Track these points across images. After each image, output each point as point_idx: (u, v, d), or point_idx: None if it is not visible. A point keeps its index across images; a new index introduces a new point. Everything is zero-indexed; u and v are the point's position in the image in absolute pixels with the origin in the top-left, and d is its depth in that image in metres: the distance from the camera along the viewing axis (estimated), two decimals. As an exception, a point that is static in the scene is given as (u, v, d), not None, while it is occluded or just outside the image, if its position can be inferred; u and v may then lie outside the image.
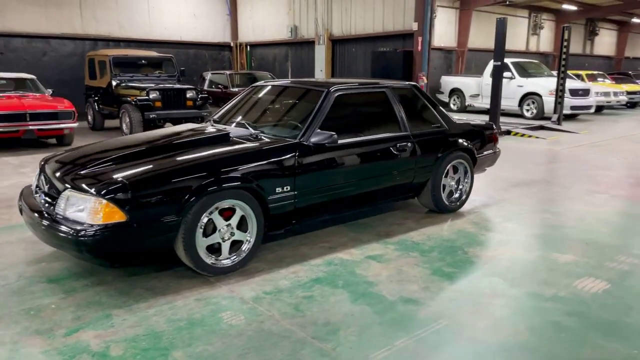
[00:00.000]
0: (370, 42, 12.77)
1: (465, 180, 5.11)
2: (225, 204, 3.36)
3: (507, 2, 15.98)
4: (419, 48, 11.37)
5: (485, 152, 5.35)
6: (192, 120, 10.41)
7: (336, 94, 4.15)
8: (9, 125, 8.34)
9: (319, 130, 3.86)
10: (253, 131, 4.01)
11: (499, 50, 9.67)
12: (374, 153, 4.27)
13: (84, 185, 3.10)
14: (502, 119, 11.42)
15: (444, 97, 15.77)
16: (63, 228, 2.98)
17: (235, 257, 3.49)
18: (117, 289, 3.22)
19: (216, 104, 12.88)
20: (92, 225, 2.91)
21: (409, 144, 4.48)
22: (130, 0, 15.27)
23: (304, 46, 14.83)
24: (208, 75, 13.74)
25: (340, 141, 3.95)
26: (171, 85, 10.65)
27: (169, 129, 4.61)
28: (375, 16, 12.68)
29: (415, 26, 11.31)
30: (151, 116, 9.96)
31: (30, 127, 8.56)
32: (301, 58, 15.05)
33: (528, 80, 13.77)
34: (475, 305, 3.06)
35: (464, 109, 15.20)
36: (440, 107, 5.02)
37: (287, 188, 3.65)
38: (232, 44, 17.45)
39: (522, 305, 3.07)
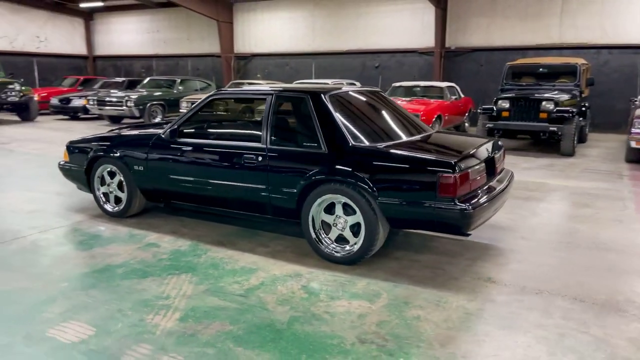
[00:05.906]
0: None
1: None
2: (111, 168, 4.95)
3: None
4: None
5: (408, 200, 3.51)
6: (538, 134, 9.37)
7: (212, 98, 4.48)
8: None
9: (174, 127, 4.52)
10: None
11: None
12: (217, 159, 4.29)
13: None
14: None
15: None
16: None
17: (117, 208, 5.02)
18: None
19: (622, 120, 10.06)
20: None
21: (260, 158, 4.02)
22: (620, 2, 13.47)
23: None
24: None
25: (183, 140, 4.46)
26: (526, 95, 9.73)
27: None
28: None
29: None
30: (487, 126, 9.75)
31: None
32: None
33: None
34: None
35: None
36: (342, 128, 3.76)
37: (140, 168, 4.70)
38: None
39: None
